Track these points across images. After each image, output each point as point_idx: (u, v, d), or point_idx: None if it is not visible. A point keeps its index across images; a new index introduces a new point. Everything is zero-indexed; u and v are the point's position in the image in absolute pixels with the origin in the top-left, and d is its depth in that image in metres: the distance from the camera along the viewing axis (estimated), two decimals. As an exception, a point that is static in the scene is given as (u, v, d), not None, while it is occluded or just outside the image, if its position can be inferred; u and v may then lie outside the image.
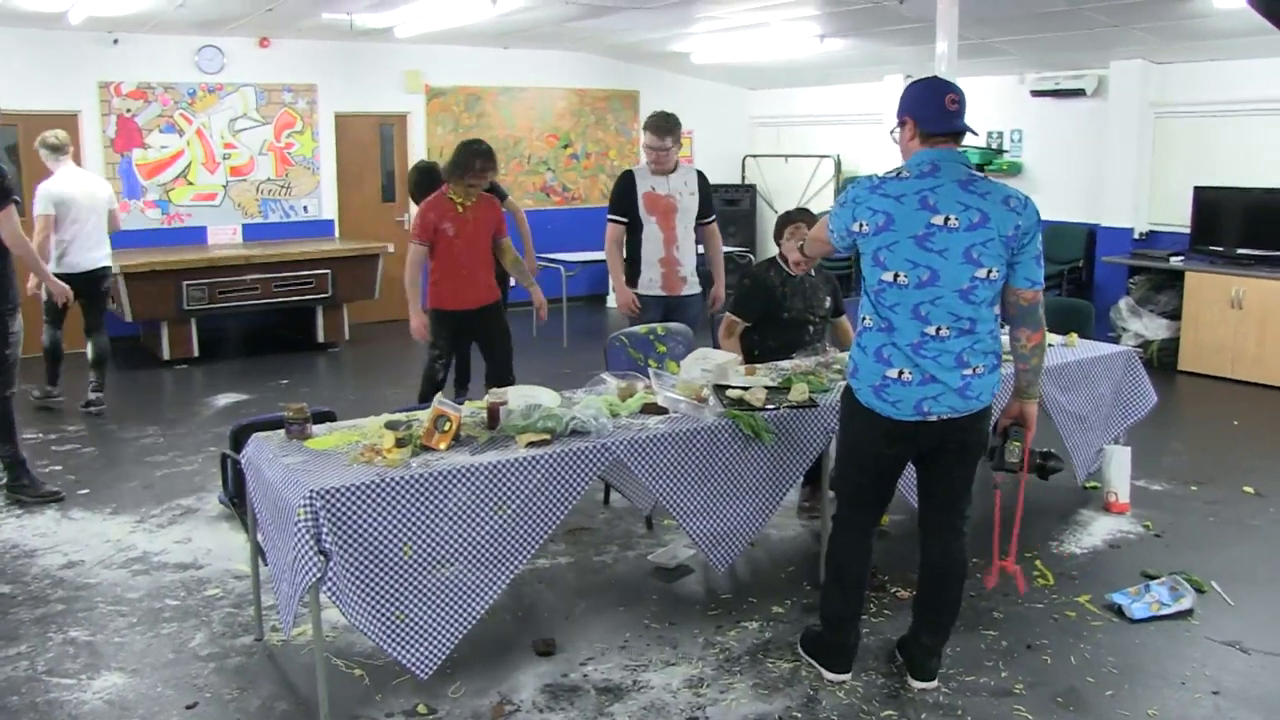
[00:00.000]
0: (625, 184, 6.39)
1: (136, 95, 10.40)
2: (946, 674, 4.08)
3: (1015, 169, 10.92)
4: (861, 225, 3.59)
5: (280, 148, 11.18)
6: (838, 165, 12.73)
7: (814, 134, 13.14)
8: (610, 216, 6.43)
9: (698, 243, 6.58)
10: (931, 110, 3.59)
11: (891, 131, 3.74)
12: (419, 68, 11.69)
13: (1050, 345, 5.72)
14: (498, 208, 6.31)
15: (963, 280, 3.52)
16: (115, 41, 10.15)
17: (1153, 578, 4.83)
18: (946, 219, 3.49)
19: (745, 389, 4.60)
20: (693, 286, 6.48)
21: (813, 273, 5.68)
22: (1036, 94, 10.70)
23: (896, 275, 3.54)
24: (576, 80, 12.71)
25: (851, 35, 9.97)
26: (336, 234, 11.55)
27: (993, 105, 10.88)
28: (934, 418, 3.63)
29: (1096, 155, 10.22)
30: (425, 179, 7.37)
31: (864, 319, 3.70)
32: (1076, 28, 8.67)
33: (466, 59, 11.92)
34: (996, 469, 4.01)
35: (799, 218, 5.61)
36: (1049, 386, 5.40)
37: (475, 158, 6.01)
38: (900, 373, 3.59)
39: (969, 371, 3.60)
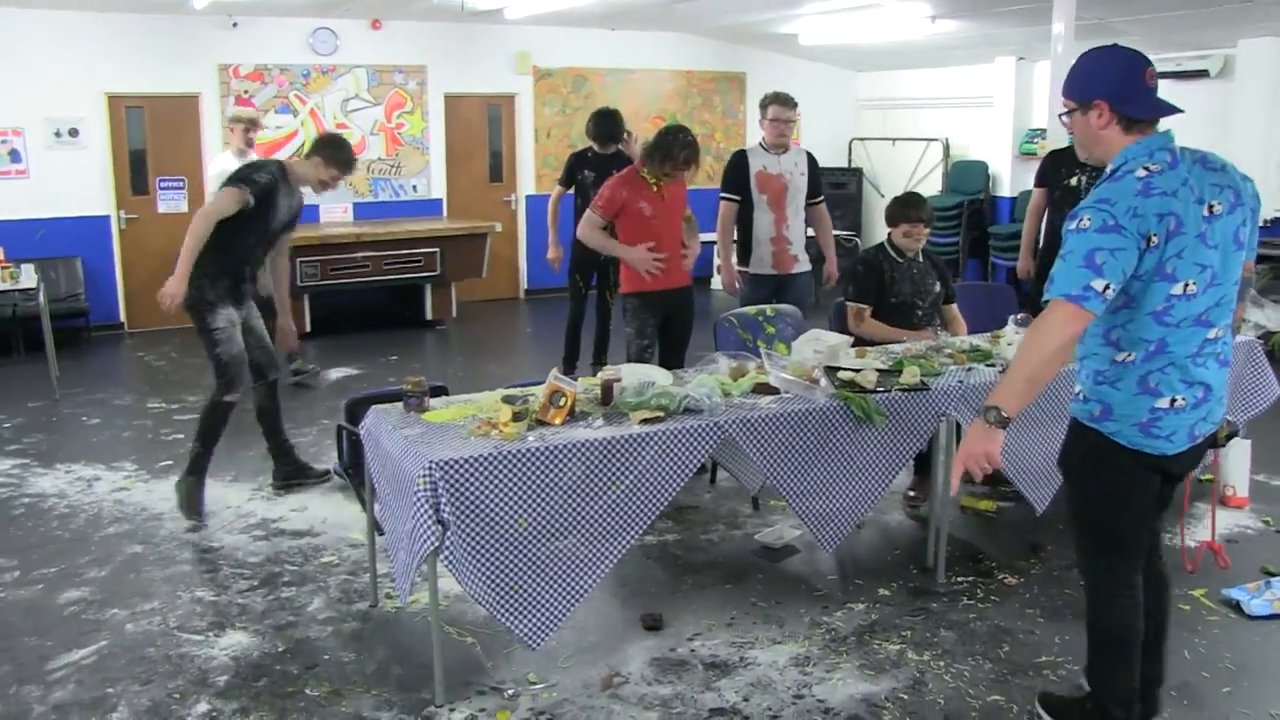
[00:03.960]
0: (738, 163, 6.51)
1: (253, 77, 10.66)
2: (1054, 662, 4.05)
3: (1131, 154, 10.67)
4: (1151, 239, 2.92)
5: (391, 128, 11.36)
6: (946, 149, 12.56)
7: (922, 117, 12.96)
8: (723, 195, 6.54)
9: (807, 223, 6.60)
10: (1133, 89, 3.03)
11: (1062, 116, 3.21)
12: (528, 49, 11.79)
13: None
14: (685, 185, 6.05)
15: (1236, 270, 3.08)
16: (234, 25, 10.40)
17: (1274, 575, 4.72)
18: (1211, 207, 3.00)
19: (856, 371, 4.59)
20: (803, 265, 6.57)
21: (920, 257, 5.65)
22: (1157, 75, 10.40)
23: (1186, 285, 2.99)
24: (683, 62, 12.71)
25: (963, 16, 9.83)
26: (445, 213, 11.71)
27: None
28: (1200, 438, 3.19)
29: (1219, 138, 9.84)
30: (606, 124, 7.70)
31: (1121, 357, 3.10)
32: (1203, 5, 8.39)
33: (574, 40, 11.98)
34: None
35: (916, 216, 5.51)
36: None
37: (681, 149, 5.70)
38: (1173, 400, 3.08)
39: (1228, 369, 3.22)
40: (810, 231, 6.70)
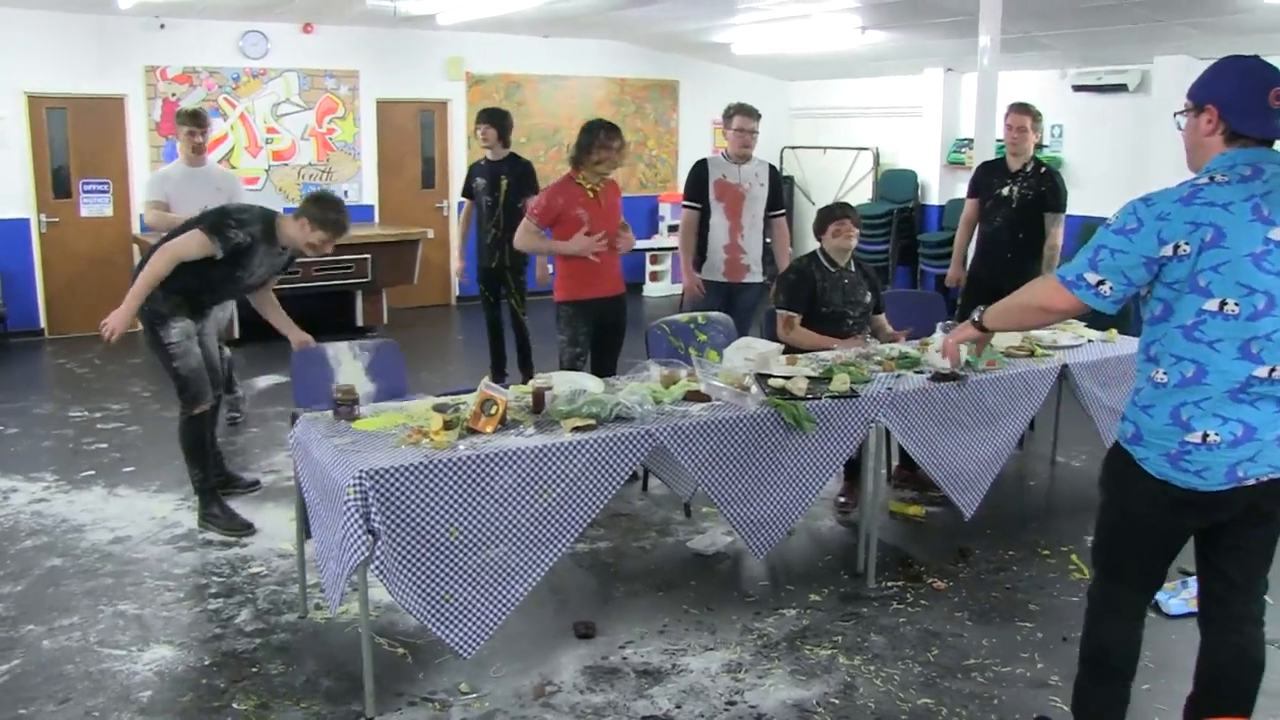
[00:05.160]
0: (699, 171, 6.58)
1: (182, 79, 10.50)
2: (982, 664, 4.11)
3: (1056, 164, 10.84)
4: (1179, 246, 2.80)
5: (322, 133, 11.26)
6: (876, 158, 12.70)
7: (853, 126, 13.10)
8: (685, 203, 6.64)
9: (766, 234, 6.66)
10: (1249, 104, 2.85)
11: (1176, 115, 3.05)
12: (460, 55, 11.74)
13: (1089, 341, 5.74)
14: (620, 192, 6.07)
15: None
16: (162, 26, 10.24)
17: (1190, 574, 4.79)
18: None
19: (787, 378, 4.63)
20: (754, 275, 6.60)
21: (852, 267, 5.72)
22: (1078, 89, 10.63)
23: (1224, 303, 2.81)
24: (616, 70, 12.72)
25: (893, 28, 9.95)
26: (376, 219, 11.62)
27: (1034, 100, 10.77)
28: (1250, 481, 2.93)
29: (1138, 151, 10.13)
30: (499, 120, 7.62)
31: (1155, 374, 2.96)
32: (1120, 23, 8.61)
33: (507, 47, 11.95)
34: None
35: (841, 213, 5.64)
36: (1087, 381, 5.40)
37: (598, 130, 5.72)
38: (1205, 436, 2.88)
39: None
40: (768, 240, 6.75)
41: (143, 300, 5.06)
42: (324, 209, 5.09)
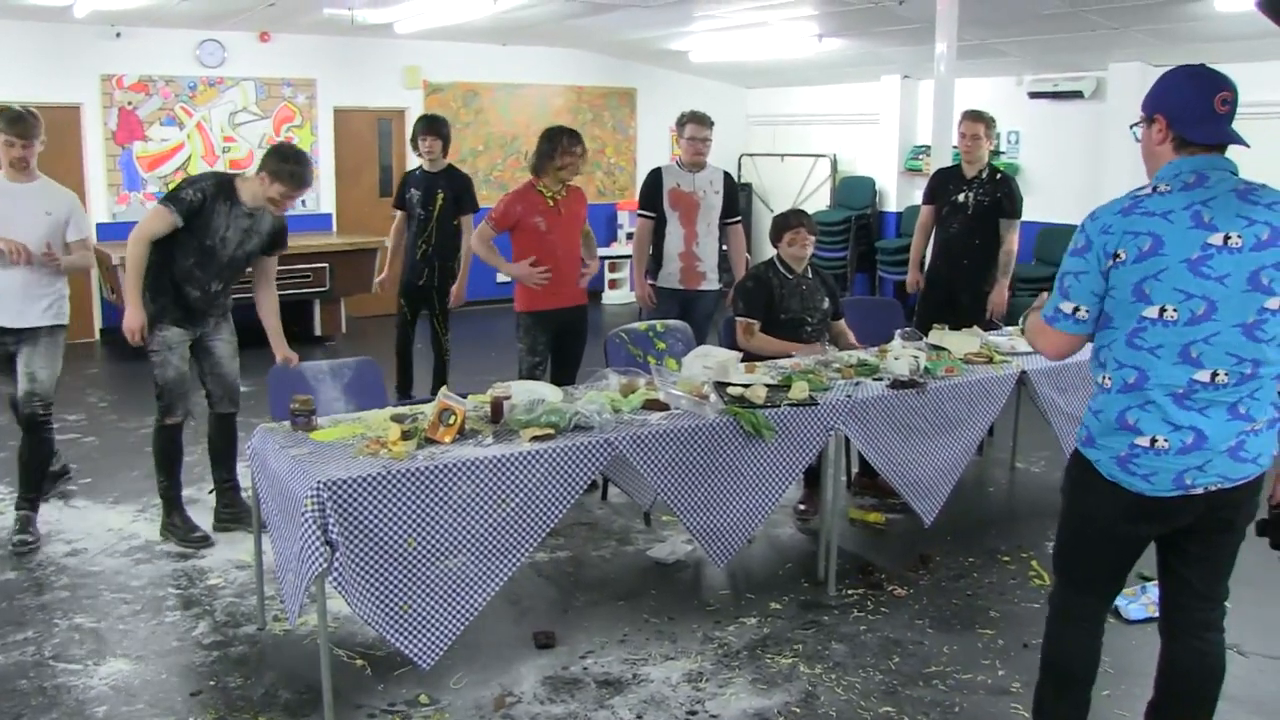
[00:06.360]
0: (653, 180, 6.59)
1: (138, 88, 10.42)
2: (943, 671, 4.13)
3: (1012, 170, 10.97)
4: (1119, 254, 2.86)
5: (279, 141, 11.17)
6: (834, 165, 12.77)
7: (810, 133, 13.17)
8: (639, 212, 6.64)
9: (722, 242, 6.68)
10: (1195, 112, 2.90)
11: (1132, 127, 3.09)
12: (418, 63, 11.71)
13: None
14: (585, 200, 6.09)
15: (1247, 313, 2.83)
16: (118, 35, 10.16)
17: (1149, 579, 4.84)
18: (1226, 237, 2.81)
19: (746, 386, 4.64)
20: (711, 282, 6.61)
21: (810, 274, 5.75)
22: (1034, 95, 10.73)
23: (1163, 310, 2.84)
24: (574, 78, 12.74)
25: (850, 35, 10.02)
26: (334, 228, 11.56)
27: (990, 107, 10.88)
28: (1199, 490, 2.93)
29: (1094, 157, 10.25)
30: (440, 127, 7.38)
31: (1102, 378, 3.00)
32: (1076, 30, 8.71)
33: (465, 55, 11.93)
34: (1275, 546, 3.28)
35: (796, 222, 5.67)
36: (1045, 387, 5.43)
37: (560, 137, 5.72)
38: (1153, 440, 2.90)
39: (1247, 427, 2.91)
40: (725, 247, 6.77)
41: (137, 291, 5.04)
42: (281, 160, 4.96)
